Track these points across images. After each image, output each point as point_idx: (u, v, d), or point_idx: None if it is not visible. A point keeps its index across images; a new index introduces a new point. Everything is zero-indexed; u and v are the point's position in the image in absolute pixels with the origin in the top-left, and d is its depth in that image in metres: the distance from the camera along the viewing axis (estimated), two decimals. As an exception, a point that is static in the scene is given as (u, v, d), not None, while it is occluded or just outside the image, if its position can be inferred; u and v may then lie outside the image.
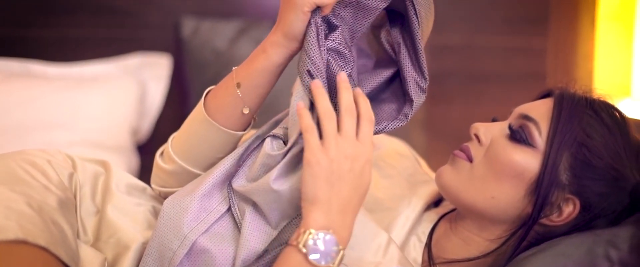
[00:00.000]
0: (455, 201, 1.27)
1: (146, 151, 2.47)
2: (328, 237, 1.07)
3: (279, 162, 1.17)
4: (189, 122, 1.31)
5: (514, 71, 2.75)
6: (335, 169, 1.08)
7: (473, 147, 1.26)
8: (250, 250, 1.16)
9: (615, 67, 2.77)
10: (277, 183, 1.14)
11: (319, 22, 1.18)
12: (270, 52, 1.21)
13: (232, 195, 1.21)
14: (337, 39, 1.21)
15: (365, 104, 1.14)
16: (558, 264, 1.15)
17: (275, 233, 1.18)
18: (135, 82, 2.49)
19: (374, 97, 1.29)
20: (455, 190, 1.25)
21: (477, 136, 1.26)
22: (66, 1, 2.58)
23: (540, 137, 1.20)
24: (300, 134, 1.15)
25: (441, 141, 2.69)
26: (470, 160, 1.25)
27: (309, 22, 1.17)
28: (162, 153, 1.35)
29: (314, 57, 1.15)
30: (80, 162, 1.33)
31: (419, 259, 1.29)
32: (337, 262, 1.07)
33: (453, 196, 1.26)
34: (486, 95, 2.75)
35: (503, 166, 1.21)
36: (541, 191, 1.18)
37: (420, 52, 1.23)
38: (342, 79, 1.14)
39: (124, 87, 2.46)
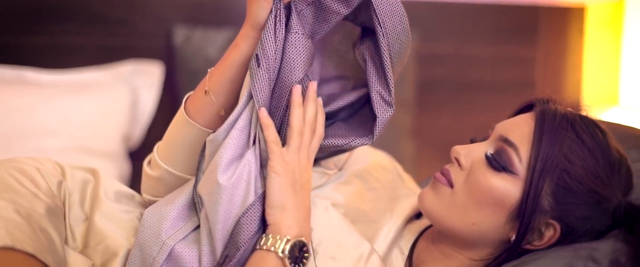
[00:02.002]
0: (436, 225, 1.27)
1: (138, 158, 2.48)
2: (301, 244, 1.14)
3: (220, 144, 1.19)
4: (171, 127, 1.34)
5: (503, 80, 2.76)
6: (298, 178, 1.17)
7: (453, 172, 1.24)
8: (208, 254, 1.18)
9: (603, 76, 2.79)
10: (224, 177, 1.16)
11: (281, 8, 1.20)
12: (241, 45, 1.25)
13: (199, 199, 1.22)
14: (295, 25, 1.22)
15: (321, 119, 1.22)
16: None
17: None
18: (128, 89, 2.50)
19: (355, 113, 1.32)
20: (436, 215, 1.24)
21: (457, 160, 1.25)
22: (60, 9, 2.59)
23: (520, 164, 1.18)
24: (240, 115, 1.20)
25: (430, 150, 2.70)
26: (451, 185, 1.23)
27: (270, 9, 1.20)
28: (149, 162, 1.38)
29: (265, 43, 1.18)
30: (69, 170, 1.35)
31: (401, 271, 1.28)
32: None
33: (434, 220, 1.26)
34: (475, 104, 2.77)
35: (483, 194, 1.19)
36: (523, 220, 1.17)
37: (386, 62, 1.22)
38: (312, 89, 1.21)
39: (116, 94, 2.48)
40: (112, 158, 2.38)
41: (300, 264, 1.14)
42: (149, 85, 2.57)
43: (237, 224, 1.15)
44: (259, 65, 1.17)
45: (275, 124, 1.20)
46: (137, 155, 2.51)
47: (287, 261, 1.12)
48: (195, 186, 1.22)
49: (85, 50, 2.61)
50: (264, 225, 1.18)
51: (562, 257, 1.17)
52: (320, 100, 1.23)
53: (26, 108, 2.35)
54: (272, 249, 1.12)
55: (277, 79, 1.21)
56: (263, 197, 1.17)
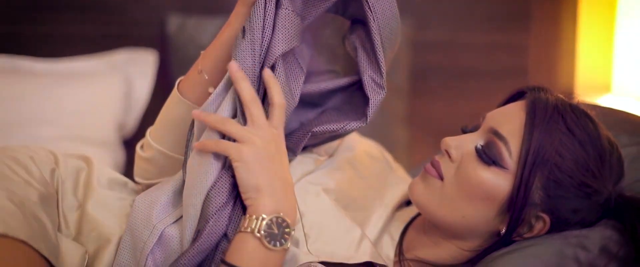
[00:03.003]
0: (427, 216, 1.27)
1: (132, 146, 2.46)
2: (280, 220, 1.12)
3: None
4: (164, 109, 1.36)
5: (496, 67, 2.76)
6: (264, 154, 1.14)
7: (443, 164, 1.24)
8: (189, 229, 1.18)
9: (596, 63, 2.79)
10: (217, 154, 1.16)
11: None
12: (234, 23, 1.26)
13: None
14: (286, 1, 1.22)
15: (275, 88, 1.17)
16: (527, 265, 1.16)
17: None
18: (122, 77, 2.50)
19: (346, 102, 1.33)
20: (426, 207, 1.25)
21: (447, 152, 1.24)
22: (54, -2, 2.60)
23: (510, 158, 1.18)
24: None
25: (424, 136, 2.71)
26: (441, 178, 1.23)
27: None
28: (142, 145, 1.40)
29: (252, 16, 1.18)
30: (62, 158, 1.35)
31: (392, 256, 1.29)
32: (289, 243, 1.13)
33: (424, 211, 1.27)
34: (468, 91, 2.77)
35: (473, 187, 1.19)
36: (514, 214, 1.18)
37: (377, 45, 1.23)
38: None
39: (110, 82, 2.48)
40: (106, 146, 2.38)
41: (282, 241, 1.12)
42: (143, 73, 2.57)
43: (207, 197, 1.16)
44: (243, 37, 1.18)
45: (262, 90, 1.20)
46: (132, 143, 2.51)
47: (265, 241, 1.11)
48: (184, 163, 1.23)
49: (79, 38, 2.61)
50: (235, 197, 1.17)
51: (552, 245, 1.17)
52: (268, 71, 1.19)
53: (20, 97, 2.35)
54: (249, 230, 1.11)
55: (267, 52, 1.21)
56: (232, 168, 1.16)
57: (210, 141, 1.16)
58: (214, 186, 1.15)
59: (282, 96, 1.18)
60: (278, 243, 1.12)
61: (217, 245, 1.16)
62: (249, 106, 1.16)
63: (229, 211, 1.16)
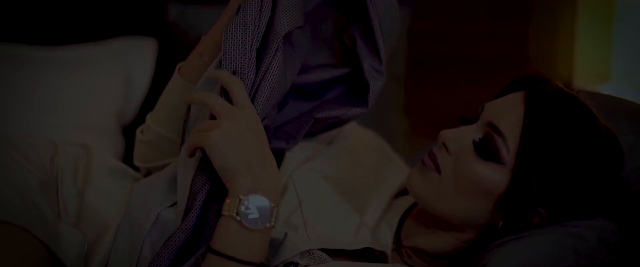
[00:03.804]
0: (425, 207, 1.27)
1: (132, 134, 2.48)
2: (258, 198, 1.09)
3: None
4: (164, 93, 1.38)
5: (496, 56, 2.75)
6: (234, 134, 1.11)
7: (441, 156, 1.23)
8: (181, 208, 1.18)
9: (595, 53, 2.79)
10: None
11: None
12: (234, 7, 1.26)
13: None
14: None
15: (221, 74, 1.17)
16: (525, 256, 1.16)
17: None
18: (121, 65, 2.50)
19: (345, 92, 1.35)
20: (424, 199, 1.25)
21: (445, 145, 1.24)
22: (53, -16, 2.59)
23: (508, 154, 1.17)
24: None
25: (423, 125, 2.71)
26: (439, 171, 1.23)
27: None
28: (142, 130, 1.42)
29: (248, 2, 1.19)
30: (61, 146, 1.36)
31: (389, 244, 1.29)
32: (273, 220, 1.10)
33: (422, 203, 1.27)
34: (467, 80, 2.77)
35: (471, 182, 1.19)
36: (511, 209, 1.18)
37: (377, 32, 1.24)
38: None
39: (110, 70, 2.47)
40: (106, 134, 2.38)
41: (263, 220, 1.09)
42: (142, 61, 2.56)
43: (194, 176, 1.16)
44: (237, 13, 1.18)
45: (262, 70, 1.20)
46: (132, 131, 2.51)
47: (244, 222, 1.08)
48: (181, 144, 1.23)
49: (78, 26, 2.60)
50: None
51: (550, 236, 1.18)
52: (211, 71, 1.20)
53: (19, 85, 2.35)
54: (227, 213, 1.09)
55: (271, 29, 1.20)
56: None
57: (187, 144, 1.16)
58: (200, 165, 1.16)
59: (231, 75, 1.17)
60: (259, 222, 1.09)
61: (204, 225, 1.16)
62: (206, 102, 1.15)
63: (208, 189, 1.16)
